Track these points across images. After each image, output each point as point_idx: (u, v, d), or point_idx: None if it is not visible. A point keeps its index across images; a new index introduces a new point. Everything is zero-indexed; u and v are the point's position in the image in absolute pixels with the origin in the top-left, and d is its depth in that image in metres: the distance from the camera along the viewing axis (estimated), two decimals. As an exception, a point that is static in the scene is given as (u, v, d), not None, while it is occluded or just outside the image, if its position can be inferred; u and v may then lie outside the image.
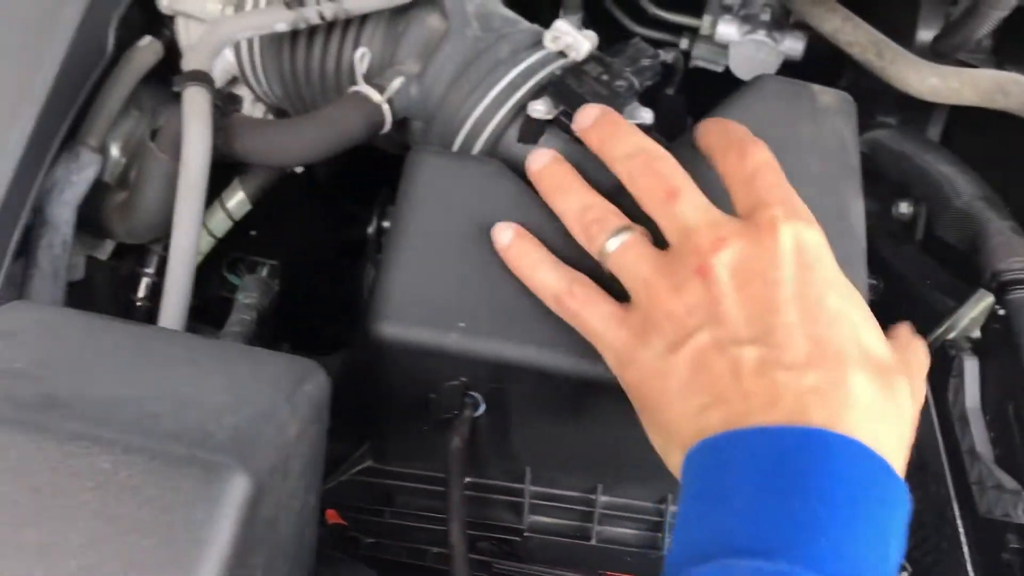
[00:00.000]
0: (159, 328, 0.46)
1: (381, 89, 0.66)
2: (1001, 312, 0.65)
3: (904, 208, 0.84)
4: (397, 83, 0.66)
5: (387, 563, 0.66)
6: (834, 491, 0.41)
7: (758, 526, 0.40)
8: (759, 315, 0.46)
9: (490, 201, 0.58)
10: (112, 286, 0.82)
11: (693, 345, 0.47)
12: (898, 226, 0.86)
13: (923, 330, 0.74)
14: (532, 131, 0.65)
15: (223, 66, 0.75)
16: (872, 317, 0.49)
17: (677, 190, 0.51)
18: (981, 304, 0.68)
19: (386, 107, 0.67)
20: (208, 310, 0.81)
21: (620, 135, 0.55)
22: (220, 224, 0.79)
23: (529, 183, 0.60)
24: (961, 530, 0.63)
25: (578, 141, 0.65)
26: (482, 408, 0.57)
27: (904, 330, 0.55)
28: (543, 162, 0.57)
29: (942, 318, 0.73)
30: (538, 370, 0.54)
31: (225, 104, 0.66)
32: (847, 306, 0.47)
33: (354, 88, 0.67)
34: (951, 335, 0.71)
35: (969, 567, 0.61)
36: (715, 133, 0.55)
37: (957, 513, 0.63)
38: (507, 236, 0.55)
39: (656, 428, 0.49)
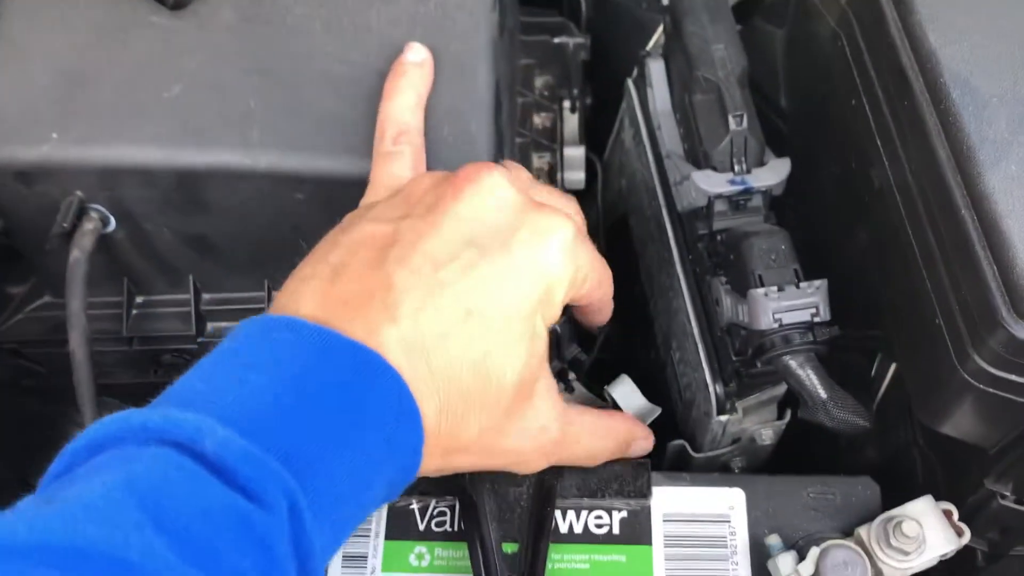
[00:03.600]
0: None
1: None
2: (666, 2, 0.63)
3: None
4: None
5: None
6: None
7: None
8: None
9: (83, 5, 0.56)
10: None
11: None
12: None
13: (639, 49, 0.74)
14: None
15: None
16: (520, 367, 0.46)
17: None
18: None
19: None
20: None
21: None
22: None
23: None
24: (670, 233, 0.63)
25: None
26: (112, 223, 0.56)
27: None
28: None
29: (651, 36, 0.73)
30: (139, 169, 0.53)
31: None
32: None
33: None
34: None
35: (678, 268, 0.61)
36: None
37: (666, 220, 0.63)
38: (415, 56, 0.54)
39: None
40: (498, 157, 0.56)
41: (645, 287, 0.74)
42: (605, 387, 0.58)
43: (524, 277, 0.45)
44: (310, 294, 0.43)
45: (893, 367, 0.57)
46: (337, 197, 0.54)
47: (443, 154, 0.54)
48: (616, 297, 0.80)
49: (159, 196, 0.55)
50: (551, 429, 0.48)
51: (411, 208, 0.45)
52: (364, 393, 0.40)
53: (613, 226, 0.82)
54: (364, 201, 0.50)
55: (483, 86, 0.56)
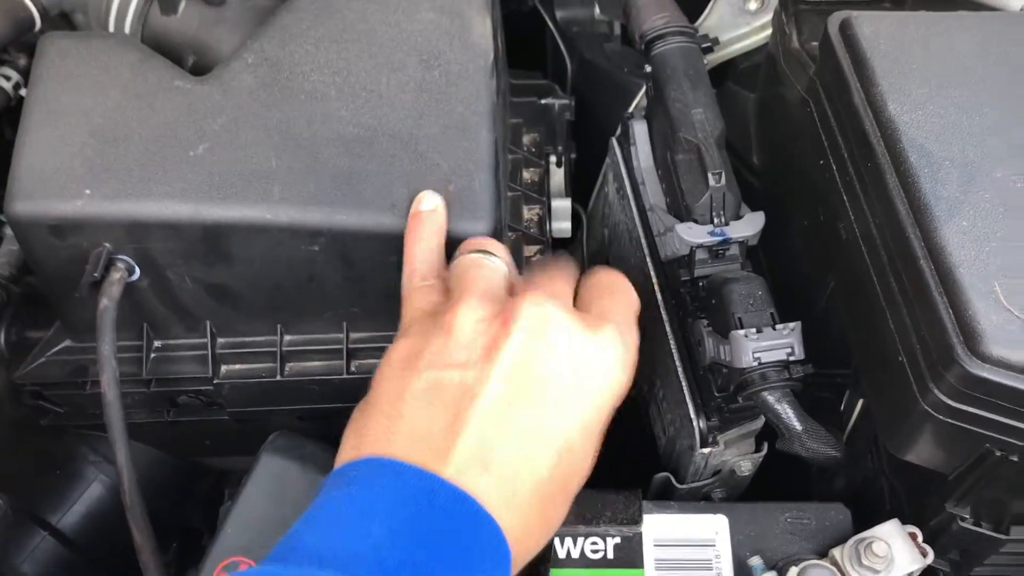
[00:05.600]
0: None
1: (20, -16, 0.68)
2: (649, 69, 0.68)
3: (599, 9, 0.88)
4: (29, -24, 0.67)
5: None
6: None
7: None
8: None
9: (113, 72, 0.61)
10: None
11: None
12: (606, 27, 0.91)
13: (620, 110, 0.79)
14: (169, 2, 0.67)
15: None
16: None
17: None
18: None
19: (28, 1, 0.68)
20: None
21: None
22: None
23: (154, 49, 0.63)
24: (655, 281, 0.67)
25: (215, 3, 0.67)
26: (137, 272, 0.60)
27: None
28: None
29: (633, 97, 0.78)
30: (166, 223, 0.57)
31: None
32: None
33: (-4, -13, 0.68)
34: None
35: (663, 311, 0.66)
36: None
37: (651, 270, 0.68)
38: (429, 204, 0.57)
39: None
40: (497, 211, 0.61)
41: (628, 330, 0.79)
42: None
43: (595, 400, 0.49)
44: (403, 444, 0.46)
45: (861, 402, 0.62)
46: (350, 249, 0.59)
47: (450, 208, 0.58)
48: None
49: (183, 248, 0.59)
50: None
51: (467, 352, 0.48)
52: (470, 542, 0.44)
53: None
54: (403, 325, 0.53)
55: (484, 146, 0.60)
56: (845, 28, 0.56)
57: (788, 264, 0.67)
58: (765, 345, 0.55)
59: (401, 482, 0.44)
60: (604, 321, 0.51)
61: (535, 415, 0.47)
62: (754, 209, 0.63)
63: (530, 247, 0.74)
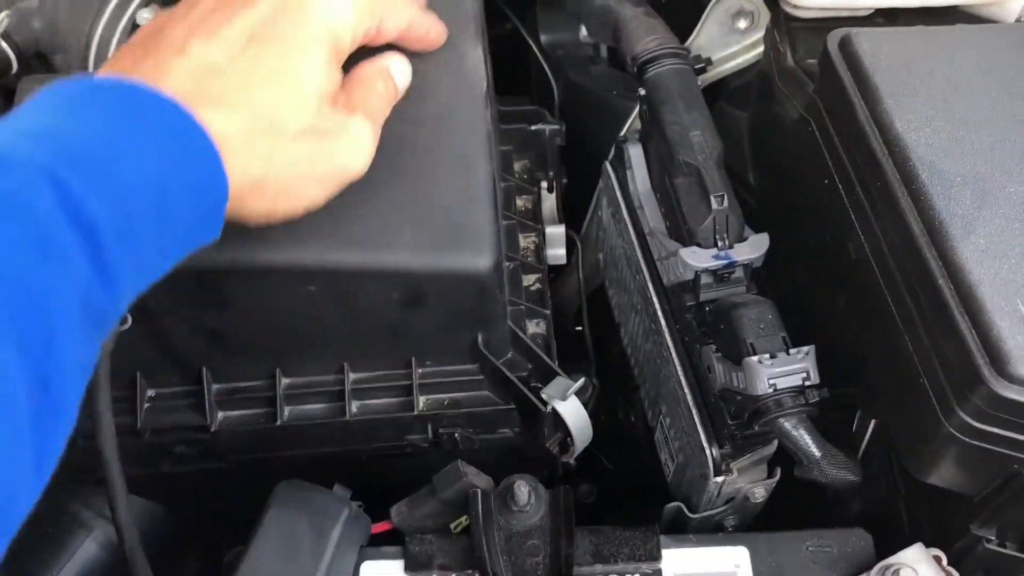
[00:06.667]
0: None
1: (-7, 27, 0.66)
2: (642, 92, 0.68)
3: (585, 32, 0.87)
4: (4, 18, 0.66)
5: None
6: None
7: None
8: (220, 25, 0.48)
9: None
10: None
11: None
12: (591, 49, 0.89)
13: (610, 133, 0.77)
14: (150, 42, 0.65)
15: None
16: (309, 84, 0.49)
17: None
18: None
19: (4, 44, 0.66)
20: None
21: None
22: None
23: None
24: (656, 305, 0.66)
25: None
26: (129, 322, 0.58)
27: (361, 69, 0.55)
28: None
29: (623, 120, 0.77)
30: (159, 269, 0.56)
31: None
32: (282, 59, 0.48)
33: (-31, 31, 0.67)
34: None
35: (667, 338, 0.65)
36: None
37: (652, 292, 0.67)
38: None
39: None
40: (498, 243, 0.59)
41: (629, 354, 0.78)
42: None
43: (309, 32, 0.49)
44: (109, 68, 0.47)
45: (873, 423, 0.61)
46: (348, 288, 0.57)
47: (451, 243, 0.57)
48: (597, 361, 0.83)
49: (178, 295, 0.57)
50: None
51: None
52: (131, 111, 0.43)
53: (591, 296, 0.86)
54: None
55: (483, 178, 0.59)
56: (845, 45, 0.55)
57: (789, 283, 0.66)
58: (780, 371, 0.53)
59: (68, 88, 0.43)
60: None
61: (237, 16, 0.48)
62: (752, 228, 0.63)
63: (528, 276, 0.73)
